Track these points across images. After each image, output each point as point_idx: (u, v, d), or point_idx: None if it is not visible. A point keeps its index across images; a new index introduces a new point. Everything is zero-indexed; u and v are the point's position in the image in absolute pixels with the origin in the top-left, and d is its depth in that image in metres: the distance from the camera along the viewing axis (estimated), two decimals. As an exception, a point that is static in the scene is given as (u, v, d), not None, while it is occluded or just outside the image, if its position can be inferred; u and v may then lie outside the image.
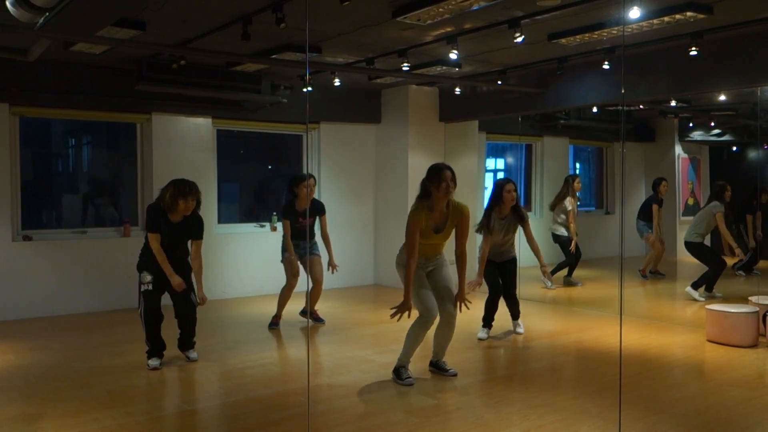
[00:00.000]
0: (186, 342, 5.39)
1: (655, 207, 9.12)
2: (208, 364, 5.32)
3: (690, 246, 7.89)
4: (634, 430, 3.83)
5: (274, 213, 8.72)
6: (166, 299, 5.21)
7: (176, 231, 5.16)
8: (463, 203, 4.74)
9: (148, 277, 5.12)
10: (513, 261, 6.21)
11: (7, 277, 6.99)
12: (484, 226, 6.00)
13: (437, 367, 4.99)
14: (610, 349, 5.71)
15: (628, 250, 10.00)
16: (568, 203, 8.73)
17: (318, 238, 6.79)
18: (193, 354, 5.39)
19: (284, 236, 6.49)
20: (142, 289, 5.14)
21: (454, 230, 4.72)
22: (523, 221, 6.08)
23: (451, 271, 4.85)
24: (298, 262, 6.57)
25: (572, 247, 8.65)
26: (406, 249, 4.62)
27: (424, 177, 4.70)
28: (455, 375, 4.91)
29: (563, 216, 8.73)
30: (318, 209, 6.64)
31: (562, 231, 8.75)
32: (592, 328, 6.62)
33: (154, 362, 5.12)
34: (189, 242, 5.31)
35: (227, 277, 8.08)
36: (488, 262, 6.10)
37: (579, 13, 5.36)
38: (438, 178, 4.56)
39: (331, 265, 6.65)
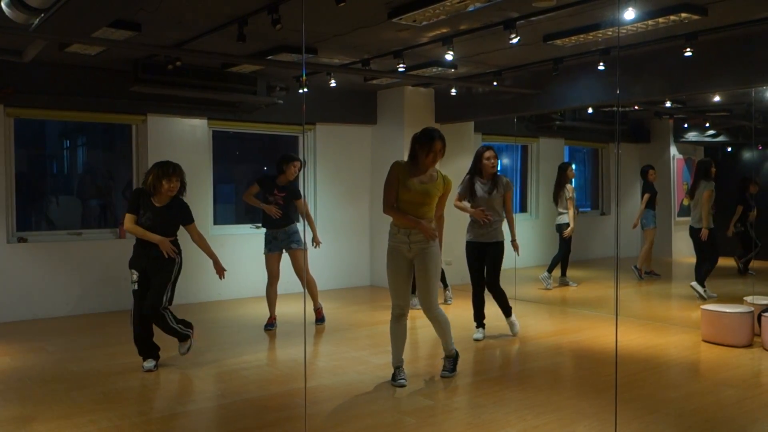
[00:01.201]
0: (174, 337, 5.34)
1: (646, 196, 9.16)
2: (204, 365, 5.31)
3: (693, 231, 7.84)
4: (630, 430, 3.84)
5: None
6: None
7: (160, 216, 5.08)
8: (449, 178, 4.78)
9: (135, 276, 5.11)
10: (497, 246, 5.93)
11: (2, 278, 6.97)
12: (466, 188, 5.95)
13: (443, 366, 5.00)
14: (606, 350, 5.73)
15: (624, 251, 10.02)
16: (568, 190, 8.78)
17: (322, 237, 6.73)
18: (181, 348, 5.34)
19: (246, 194, 6.60)
20: (131, 287, 5.14)
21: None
22: (505, 190, 5.92)
23: (436, 260, 4.67)
24: (278, 261, 6.57)
25: (568, 231, 8.68)
26: (384, 197, 4.63)
27: (415, 133, 4.70)
28: (444, 377, 4.90)
29: (565, 203, 8.76)
30: (293, 192, 6.56)
31: (564, 219, 8.78)
32: (588, 328, 6.63)
33: (148, 364, 5.11)
34: (175, 234, 5.19)
35: (222, 279, 8.05)
36: (469, 245, 6.01)
37: (574, 14, 5.37)
38: (427, 148, 4.57)
39: (315, 240, 6.69)
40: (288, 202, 6.50)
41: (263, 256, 6.59)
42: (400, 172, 4.60)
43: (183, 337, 5.35)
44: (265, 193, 6.51)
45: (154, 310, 5.06)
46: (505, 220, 5.99)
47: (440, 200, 4.73)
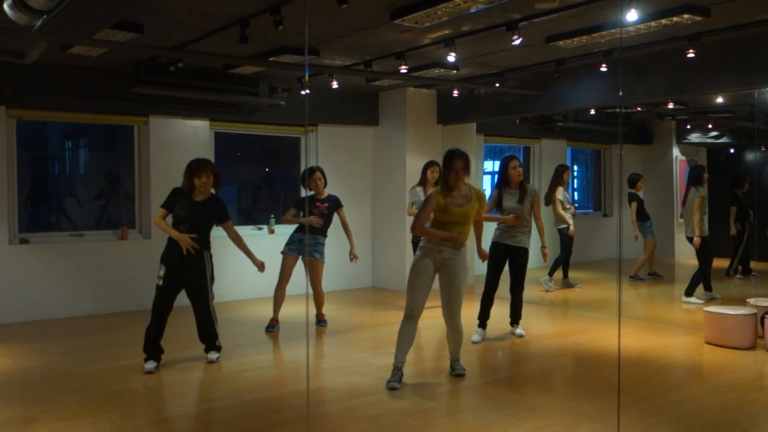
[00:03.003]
0: (205, 341, 5.39)
1: (634, 204, 9.13)
2: (206, 367, 5.30)
3: (689, 240, 7.82)
4: (632, 433, 3.83)
5: (272, 216, 8.71)
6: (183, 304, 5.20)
7: (197, 210, 5.21)
8: (480, 189, 4.99)
9: (162, 271, 5.15)
10: (524, 252, 6.08)
11: (4, 280, 6.97)
12: (494, 200, 6.05)
13: (450, 367, 5.04)
14: (609, 352, 5.71)
15: (626, 252, 10.02)
16: (558, 192, 8.77)
17: (330, 239, 6.77)
18: (212, 355, 5.39)
19: (284, 218, 6.61)
20: (156, 282, 5.16)
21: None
22: (533, 198, 6.04)
23: (464, 270, 4.85)
24: (294, 264, 6.57)
25: (570, 230, 8.67)
26: (416, 219, 4.78)
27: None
28: (458, 375, 4.94)
29: (558, 207, 8.76)
30: (335, 202, 6.68)
31: (559, 224, 8.77)
32: (591, 330, 6.62)
33: (149, 365, 5.10)
34: (206, 231, 5.31)
35: (225, 280, 8.05)
36: (496, 246, 6.05)
37: (576, 15, 5.36)
38: (449, 167, 4.78)
39: (352, 254, 6.75)
40: (330, 212, 6.59)
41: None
42: (439, 200, 4.74)
43: (218, 345, 5.43)
44: (309, 207, 6.54)
45: (207, 307, 5.26)
46: (535, 228, 6.13)
47: (478, 211, 4.91)
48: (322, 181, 6.59)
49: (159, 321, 5.14)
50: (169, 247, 5.20)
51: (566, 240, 8.75)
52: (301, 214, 6.61)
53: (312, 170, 6.68)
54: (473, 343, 6.00)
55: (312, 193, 6.62)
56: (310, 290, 6.73)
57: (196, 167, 5.19)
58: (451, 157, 4.80)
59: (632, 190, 9.22)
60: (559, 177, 8.88)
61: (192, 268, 5.19)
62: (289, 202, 6.81)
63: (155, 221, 5.26)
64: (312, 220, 6.45)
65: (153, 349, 5.17)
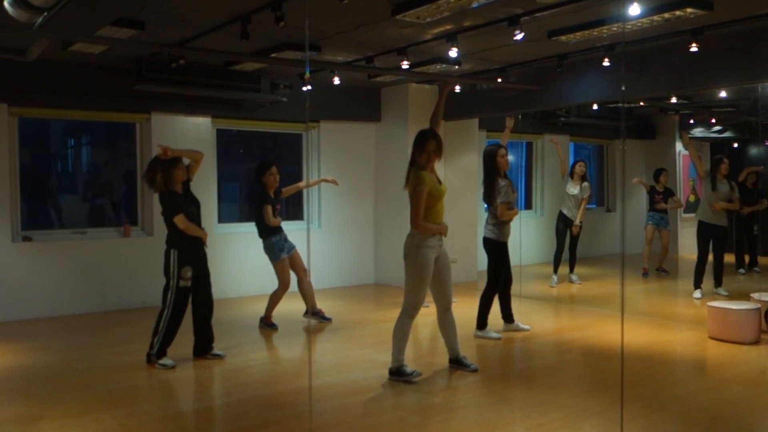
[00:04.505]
0: (209, 342, 5.40)
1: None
2: (209, 363, 5.30)
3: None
4: (636, 428, 3.82)
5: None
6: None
7: (192, 203, 5.26)
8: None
9: (189, 273, 5.11)
10: None
11: (6, 277, 6.98)
12: (509, 193, 5.88)
13: (458, 363, 5.00)
14: (612, 347, 5.70)
15: (630, 248, 9.99)
16: (570, 185, 8.76)
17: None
18: (217, 351, 5.42)
19: (270, 223, 6.43)
20: (180, 285, 5.09)
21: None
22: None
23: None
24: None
25: (573, 229, 8.66)
26: (418, 214, 4.60)
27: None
28: (476, 370, 4.93)
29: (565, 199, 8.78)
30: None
31: (565, 212, 8.76)
32: (594, 325, 6.61)
33: (171, 361, 5.12)
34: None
35: (227, 277, 8.07)
36: (504, 246, 5.96)
37: (579, 10, 5.34)
38: (420, 148, 4.68)
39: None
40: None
41: (266, 255, 6.55)
42: (427, 180, 4.63)
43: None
44: (275, 205, 6.48)
45: (212, 300, 5.38)
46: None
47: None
48: (277, 176, 6.54)
49: (181, 321, 5.17)
50: (193, 246, 5.17)
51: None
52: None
53: (270, 164, 6.53)
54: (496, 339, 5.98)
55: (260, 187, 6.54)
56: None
57: (167, 161, 5.07)
58: (424, 137, 4.67)
59: (653, 185, 9.27)
60: (572, 170, 8.90)
61: (204, 263, 5.29)
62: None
63: (185, 227, 5.08)
64: (278, 221, 6.46)
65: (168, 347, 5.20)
